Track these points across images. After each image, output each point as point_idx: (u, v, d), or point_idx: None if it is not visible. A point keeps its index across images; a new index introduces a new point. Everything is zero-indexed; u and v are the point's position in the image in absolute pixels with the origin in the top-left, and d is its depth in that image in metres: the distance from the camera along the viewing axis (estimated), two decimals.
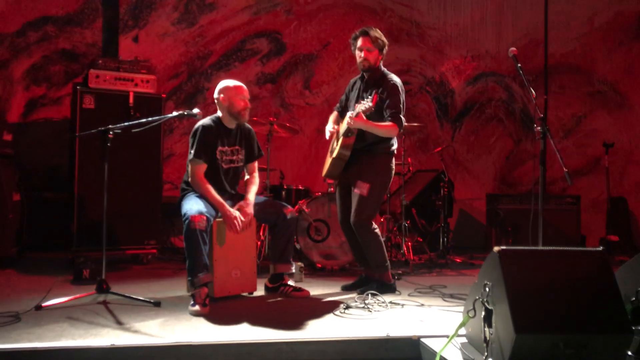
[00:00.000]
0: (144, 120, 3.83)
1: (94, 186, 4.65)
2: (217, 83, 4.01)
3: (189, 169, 3.79)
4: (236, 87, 3.91)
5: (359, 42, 4.04)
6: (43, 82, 6.36)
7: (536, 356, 2.27)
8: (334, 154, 4.06)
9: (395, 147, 4.15)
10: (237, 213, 3.73)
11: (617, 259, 5.80)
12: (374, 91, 3.93)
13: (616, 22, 7.67)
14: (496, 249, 2.43)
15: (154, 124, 3.84)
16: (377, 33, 4.04)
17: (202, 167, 3.78)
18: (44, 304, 3.37)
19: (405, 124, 4.13)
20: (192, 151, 3.77)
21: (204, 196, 3.72)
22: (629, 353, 2.42)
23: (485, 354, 2.36)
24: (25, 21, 6.29)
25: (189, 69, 6.73)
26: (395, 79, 4.05)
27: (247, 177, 4.11)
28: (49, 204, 5.79)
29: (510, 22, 7.60)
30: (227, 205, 3.73)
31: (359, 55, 4.05)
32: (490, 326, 2.36)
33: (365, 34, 4.02)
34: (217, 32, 6.82)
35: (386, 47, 4.09)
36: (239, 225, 3.71)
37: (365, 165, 4.03)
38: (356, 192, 4.00)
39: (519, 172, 7.59)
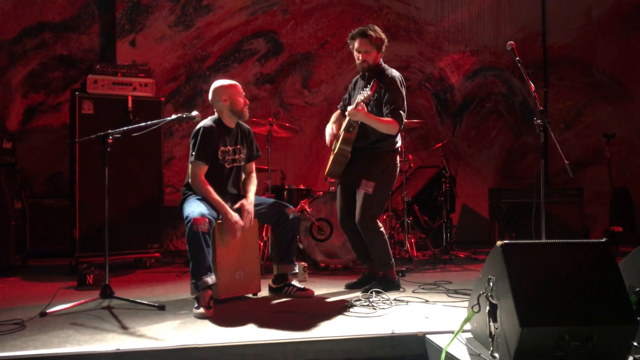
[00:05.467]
0: (143, 124, 3.83)
1: (96, 191, 4.65)
2: None
3: (190, 170, 3.79)
4: (234, 86, 3.92)
5: (357, 44, 4.02)
6: (41, 89, 6.36)
7: (542, 349, 2.27)
8: (336, 151, 4.04)
9: (399, 144, 4.14)
10: (237, 217, 3.72)
11: (621, 250, 5.79)
12: (373, 80, 3.91)
13: (614, 12, 7.66)
14: (499, 243, 2.42)
15: (153, 127, 3.83)
16: (375, 32, 4.00)
17: (203, 168, 3.77)
18: (48, 311, 3.37)
19: (406, 120, 4.12)
20: (193, 153, 3.76)
21: (205, 198, 3.71)
22: (635, 344, 2.41)
23: (491, 348, 2.35)
24: (21, 28, 6.29)
25: (187, 71, 6.72)
26: (395, 73, 4.03)
27: (244, 177, 4.09)
28: (50, 211, 5.79)
29: (507, 15, 7.59)
30: (228, 208, 3.72)
31: (357, 57, 4.04)
32: (495, 321, 2.35)
33: (362, 35, 3.99)
34: (214, 34, 6.81)
35: (385, 44, 4.06)
36: (238, 230, 3.71)
37: (369, 163, 4.01)
38: (361, 190, 3.97)
39: (520, 166, 7.57)
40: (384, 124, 3.90)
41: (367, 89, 3.80)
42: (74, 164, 4.96)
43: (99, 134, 3.64)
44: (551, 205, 6.11)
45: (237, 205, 3.81)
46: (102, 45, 6.47)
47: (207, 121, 3.88)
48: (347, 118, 3.92)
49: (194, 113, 3.82)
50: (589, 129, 7.60)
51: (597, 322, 2.30)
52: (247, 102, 3.95)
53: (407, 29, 7.36)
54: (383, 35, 4.05)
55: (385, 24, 7.02)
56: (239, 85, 3.96)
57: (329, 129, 4.19)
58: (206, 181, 3.75)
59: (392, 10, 7.32)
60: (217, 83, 3.96)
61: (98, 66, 5.12)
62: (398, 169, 4.17)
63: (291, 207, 4.03)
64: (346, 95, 4.33)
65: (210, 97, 3.95)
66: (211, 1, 6.79)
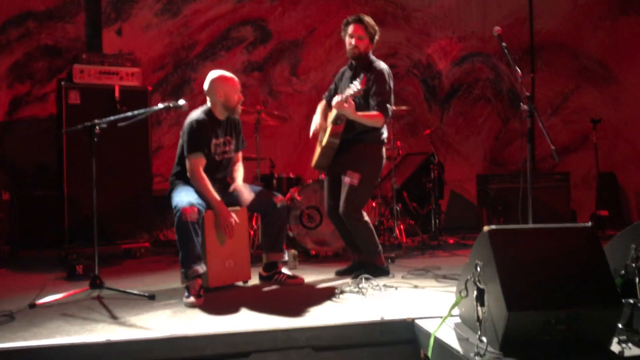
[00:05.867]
0: (130, 113, 3.80)
1: (84, 182, 4.62)
2: (204, 73, 3.98)
3: (188, 164, 3.74)
4: (232, 81, 3.87)
5: (351, 29, 4.01)
6: (27, 79, 6.29)
7: (529, 333, 2.30)
8: (323, 143, 4.04)
9: (385, 135, 4.14)
10: (233, 215, 3.73)
11: (608, 234, 5.86)
12: (362, 74, 3.92)
13: None
14: (486, 228, 2.44)
15: (140, 117, 3.81)
16: (370, 20, 4.01)
17: (202, 161, 3.74)
18: (38, 302, 3.36)
19: (394, 107, 4.13)
20: (190, 146, 3.72)
21: (202, 193, 3.69)
22: (620, 325, 2.45)
23: (479, 332, 2.38)
24: (4, 18, 6.20)
25: (175, 60, 6.67)
26: (383, 66, 4.02)
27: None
28: (39, 202, 5.76)
29: (494, 1, 7.58)
30: (224, 205, 3.71)
31: (350, 42, 4.02)
32: (482, 305, 2.38)
33: (358, 21, 3.99)
34: (201, 22, 6.76)
35: (377, 36, 4.06)
36: (231, 229, 3.71)
37: (355, 155, 4.01)
38: (346, 181, 3.98)
39: (508, 152, 7.61)
40: (369, 119, 3.90)
41: (357, 82, 3.78)
42: (62, 155, 4.93)
43: (85, 124, 3.62)
44: (538, 190, 6.15)
45: (231, 188, 3.84)
46: (88, 34, 6.40)
47: (199, 113, 3.84)
48: (335, 110, 3.92)
49: (181, 102, 3.79)
50: (576, 113, 7.64)
51: (582, 306, 2.33)
52: (242, 98, 3.92)
53: (394, 16, 7.35)
54: (377, 27, 4.06)
55: (373, 11, 6.99)
56: (237, 81, 3.91)
57: (316, 120, 4.19)
58: (205, 176, 3.72)
59: None
60: (215, 74, 3.90)
61: (84, 55, 5.08)
62: (384, 161, 4.18)
63: (280, 195, 4.04)
64: (332, 86, 4.32)
65: (205, 87, 3.89)
66: None
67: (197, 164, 3.72)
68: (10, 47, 6.23)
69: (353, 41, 3.99)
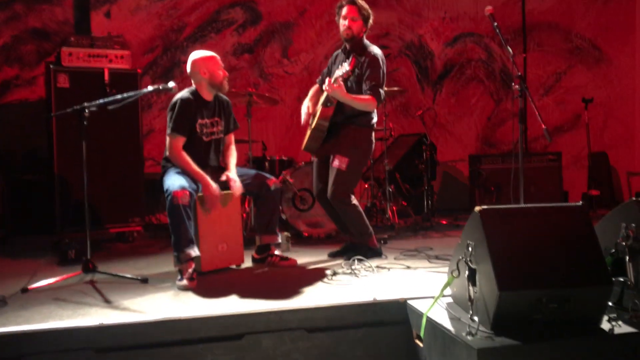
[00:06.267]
0: (119, 96, 3.76)
1: (74, 166, 4.58)
2: None
3: (168, 142, 3.75)
4: (213, 58, 3.87)
5: (344, 11, 3.97)
6: (15, 63, 6.20)
7: (520, 312, 2.32)
8: (313, 125, 4.02)
9: (375, 120, 4.12)
10: (217, 187, 3.71)
11: (600, 213, 5.89)
12: (352, 56, 3.89)
13: None
14: (477, 209, 2.45)
15: (130, 99, 3.77)
16: (364, 3, 3.99)
17: (181, 140, 3.73)
18: (30, 287, 3.36)
19: (386, 88, 4.11)
20: (171, 125, 3.73)
21: (184, 170, 3.69)
22: (610, 304, 2.47)
23: (470, 312, 2.40)
24: None
25: (164, 42, 6.60)
26: (377, 50, 4.00)
27: (222, 150, 4.07)
28: (29, 187, 5.72)
29: None
30: (208, 178, 3.70)
31: (343, 23, 3.99)
32: (474, 285, 2.39)
33: (352, 2, 3.95)
34: (190, 4, 6.68)
35: (371, 20, 4.02)
36: (215, 201, 3.70)
37: (344, 139, 4.00)
38: (334, 166, 3.97)
39: (500, 132, 7.61)
40: (361, 102, 3.88)
41: (345, 64, 3.77)
42: (52, 139, 4.89)
43: (75, 107, 3.59)
44: (530, 170, 6.17)
45: (222, 178, 3.82)
46: (76, 17, 6.29)
47: (185, 93, 3.83)
48: (325, 93, 3.90)
49: (171, 84, 3.77)
50: (568, 93, 7.64)
51: (573, 284, 2.35)
52: (226, 74, 3.91)
53: None
54: (370, 10, 4.02)
55: None
56: (218, 57, 3.91)
57: (305, 106, 4.17)
58: (184, 153, 3.71)
59: None
60: (196, 55, 3.90)
61: (73, 38, 5.01)
62: (373, 145, 4.17)
63: (273, 177, 4.03)
64: (325, 70, 4.29)
65: (188, 69, 3.89)
66: None
67: (177, 143, 3.72)
68: None
69: (346, 22, 3.96)
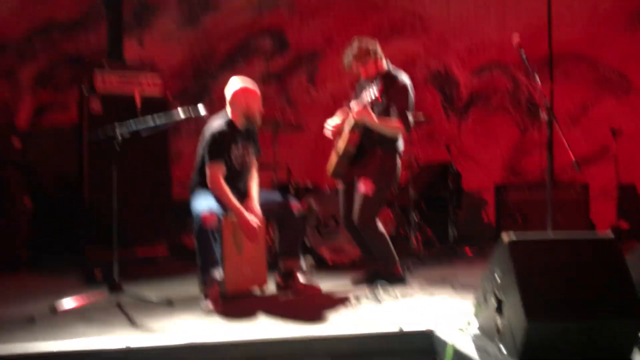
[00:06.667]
0: (152, 123, 3.81)
1: (104, 189, 4.61)
2: (223, 83, 4.02)
3: (208, 172, 3.76)
4: (254, 93, 3.91)
5: (354, 69, 4.08)
6: (50, 88, 6.39)
7: (548, 343, 2.28)
8: (339, 151, 4.05)
9: (402, 145, 4.14)
10: (255, 219, 3.74)
11: (628, 246, 5.78)
12: (380, 83, 3.93)
13: (620, 7, 7.61)
14: (505, 237, 2.43)
15: (163, 127, 3.85)
16: (358, 50, 4.03)
17: (221, 169, 3.76)
18: (58, 306, 3.40)
19: (413, 120, 4.13)
20: (211, 155, 3.75)
21: (221, 200, 3.70)
22: None
23: (498, 343, 2.37)
24: (30, 27, 6.32)
25: (194, 69, 6.74)
26: (405, 78, 4.04)
27: None
28: (59, 208, 5.82)
29: (513, 11, 7.55)
30: (246, 213, 3.73)
31: (357, 73, 4.10)
32: (501, 315, 2.37)
33: (347, 65, 4.08)
34: (220, 32, 6.83)
35: (378, 49, 4.06)
36: (255, 234, 3.74)
37: (371, 164, 4.01)
38: (361, 191, 3.98)
39: (526, 162, 7.55)
40: (389, 128, 3.91)
41: (373, 91, 3.81)
42: (83, 162, 4.99)
43: (109, 133, 3.65)
44: (557, 201, 6.09)
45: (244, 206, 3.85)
46: (110, 43, 6.47)
47: (220, 122, 3.87)
48: (352, 119, 3.93)
49: (201, 109, 3.82)
50: (596, 124, 7.56)
51: (603, 316, 2.31)
52: (262, 110, 3.96)
53: (412, 25, 7.35)
54: (366, 45, 4.05)
55: (391, 20, 7.02)
56: (258, 92, 3.94)
57: (333, 122, 4.18)
58: (224, 183, 3.74)
59: (398, 5, 7.31)
60: (238, 85, 3.93)
61: (105, 64, 5.15)
62: (399, 171, 4.18)
63: (297, 203, 4.05)
64: (353, 95, 4.33)
65: (228, 96, 3.92)
66: (218, 0, 6.80)
67: (218, 172, 3.74)
68: (35, 56, 6.35)
69: (360, 71, 4.07)
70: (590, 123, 7.62)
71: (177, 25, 6.69)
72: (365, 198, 3.96)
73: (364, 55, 4.02)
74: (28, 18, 6.31)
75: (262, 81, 6.85)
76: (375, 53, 4.05)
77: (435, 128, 7.34)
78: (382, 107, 3.95)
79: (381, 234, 4.05)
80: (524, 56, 3.47)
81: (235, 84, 3.94)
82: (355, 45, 4.05)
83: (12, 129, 6.11)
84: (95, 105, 4.98)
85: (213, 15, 6.80)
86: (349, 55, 4.06)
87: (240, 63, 6.88)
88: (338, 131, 4.15)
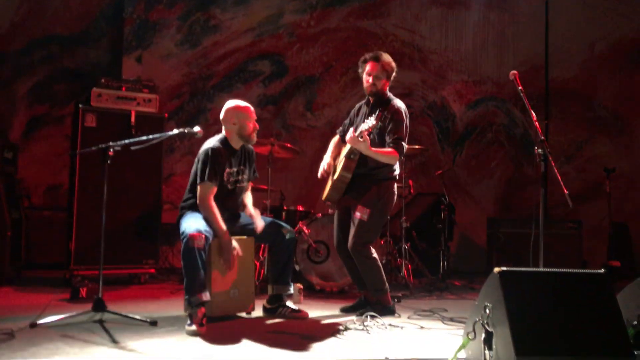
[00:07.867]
0: (144, 138, 3.82)
1: (94, 205, 4.62)
2: (220, 104, 4.01)
3: (199, 191, 3.72)
4: (247, 110, 3.88)
5: (368, 67, 4.03)
6: (46, 101, 6.40)
7: None
8: (335, 177, 4.03)
9: (397, 172, 4.13)
10: (237, 247, 3.74)
11: (619, 285, 5.75)
12: (378, 110, 3.93)
13: (617, 48, 7.72)
14: (497, 269, 2.41)
15: (154, 141, 3.83)
16: (387, 58, 4.04)
17: (213, 190, 3.73)
18: (39, 322, 3.33)
19: (407, 146, 4.12)
20: (203, 174, 3.71)
21: (209, 220, 3.67)
22: None
23: None
24: (30, 40, 6.35)
25: (192, 89, 6.76)
26: (400, 104, 4.04)
27: None
28: (48, 222, 5.78)
29: (511, 47, 7.66)
30: (229, 236, 3.71)
31: (367, 79, 4.04)
32: (490, 349, 2.33)
33: (375, 59, 4.01)
34: (220, 54, 6.87)
35: (394, 74, 4.09)
36: (233, 261, 3.73)
37: (366, 190, 4.00)
38: (356, 216, 3.96)
39: (520, 196, 7.57)
40: (384, 155, 3.90)
41: (371, 118, 3.80)
42: (74, 176, 4.96)
43: (100, 146, 3.64)
44: (549, 237, 6.05)
45: (247, 212, 3.95)
46: (109, 60, 6.53)
47: (214, 142, 3.85)
48: (348, 145, 3.92)
49: (196, 129, 3.82)
50: (589, 162, 7.61)
51: (593, 354, 2.27)
52: (257, 127, 3.94)
53: (411, 57, 7.43)
54: (394, 65, 4.08)
55: (390, 51, 6.95)
56: (252, 109, 3.92)
57: (325, 161, 4.18)
58: (214, 204, 3.71)
59: (398, 37, 7.40)
60: (231, 103, 3.92)
61: (103, 80, 5.14)
62: (395, 197, 4.16)
63: (289, 227, 4.02)
64: (347, 121, 4.32)
65: (221, 115, 3.91)
66: (218, 22, 6.86)
67: (208, 192, 3.71)
68: (33, 69, 6.36)
69: (370, 79, 4.02)
70: (583, 161, 7.67)
71: (177, 45, 6.73)
72: (361, 223, 3.94)
73: (387, 71, 4.03)
74: (28, 31, 6.33)
75: (259, 104, 6.89)
76: (391, 77, 4.08)
77: (429, 159, 7.36)
78: (377, 132, 3.95)
79: (374, 261, 4.02)
80: (521, 90, 3.47)
81: (228, 103, 3.94)
82: (386, 57, 4.04)
83: (5, 140, 6.08)
84: (91, 121, 4.95)
85: (213, 37, 6.85)
86: (379, 56, 4.01)
87: (238, 85, 6.90)
88: (330, 169, 4.14)
